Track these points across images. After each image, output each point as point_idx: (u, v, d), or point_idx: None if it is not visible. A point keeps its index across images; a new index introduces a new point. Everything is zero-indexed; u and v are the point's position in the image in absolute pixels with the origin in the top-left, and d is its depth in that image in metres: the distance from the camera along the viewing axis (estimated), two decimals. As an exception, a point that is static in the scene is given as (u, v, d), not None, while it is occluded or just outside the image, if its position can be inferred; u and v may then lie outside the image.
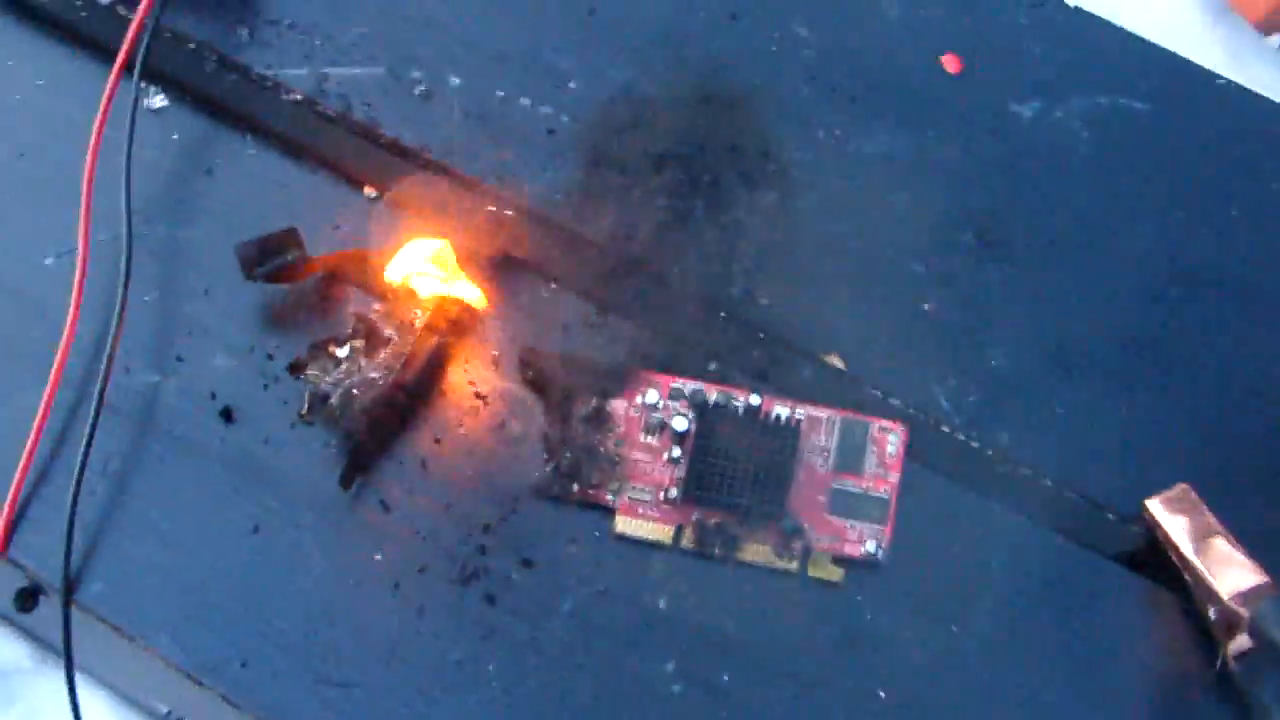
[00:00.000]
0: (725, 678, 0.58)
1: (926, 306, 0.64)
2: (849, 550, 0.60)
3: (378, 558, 0.60)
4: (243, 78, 0.66)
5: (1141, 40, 0.68)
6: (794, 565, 0.60)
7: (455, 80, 0.66)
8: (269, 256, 0.61)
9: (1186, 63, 0.68)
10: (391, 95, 0.66)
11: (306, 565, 0.59)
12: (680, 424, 0.60)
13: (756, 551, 0.60)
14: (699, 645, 0.59)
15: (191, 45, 0.67)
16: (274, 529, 0.60)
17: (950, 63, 0.67)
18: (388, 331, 0.61)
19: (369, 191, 0.65)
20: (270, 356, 0.62)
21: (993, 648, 0.59)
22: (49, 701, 0.74)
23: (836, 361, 0.63)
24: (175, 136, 0.66)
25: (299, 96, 0.66)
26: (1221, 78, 0.67)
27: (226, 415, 0.61)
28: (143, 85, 0.65)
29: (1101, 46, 0.68)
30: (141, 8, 0.64)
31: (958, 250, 0.65)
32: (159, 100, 0.66)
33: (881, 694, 0.58)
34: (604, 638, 0.59)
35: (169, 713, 0.69)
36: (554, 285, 0.64)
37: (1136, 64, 0.68)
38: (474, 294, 0.62)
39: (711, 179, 0.64)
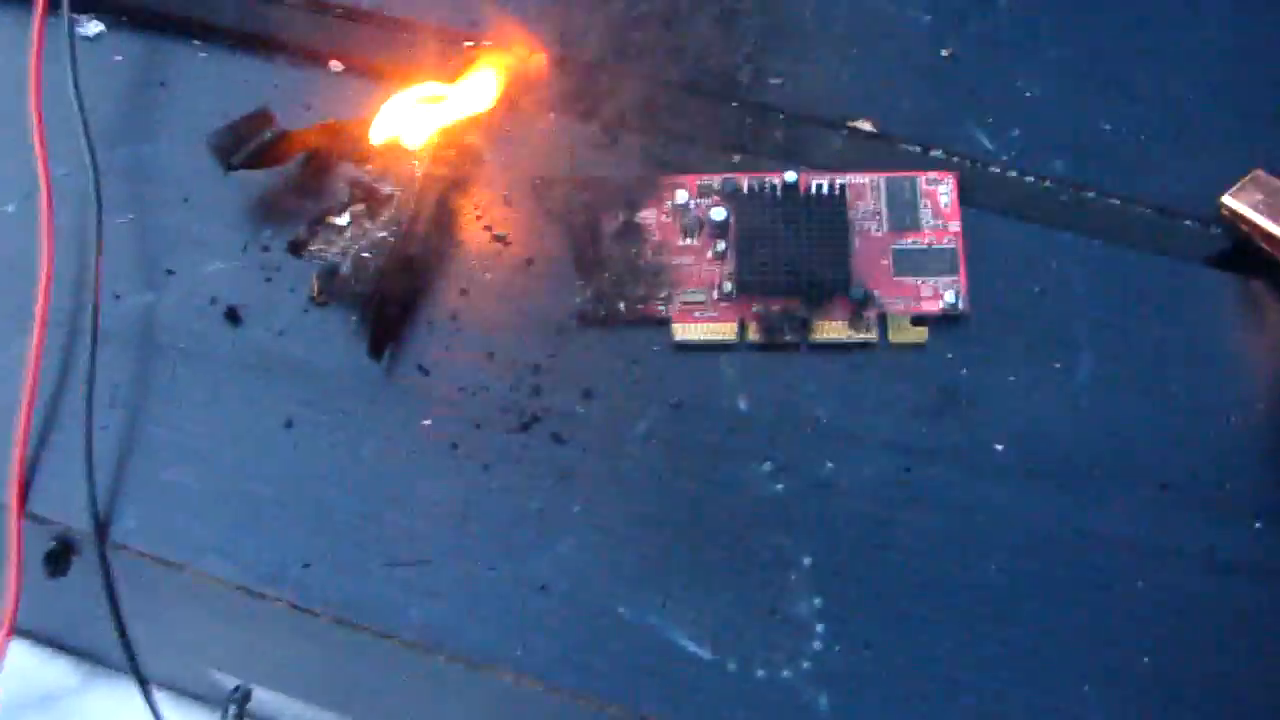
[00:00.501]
0: (829, 465, 0.53)
1: (945, 53, 0.60)
2: (927, 307, 0.55)
3: (427, 423, 0.54)
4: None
5: None
6: (872, 335, 0.55)
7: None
8: (245, 142, 0.56)
9: None
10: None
11: (352, 449, 0.54)
12: (718, 214, 0.56)
13: (829, 329, 0.55)
14: (792, 440, 0.54)
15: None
16: (308, 419, 0.54)
17: None
18: (387, 189, 0.57)
19: (334, 65, 0.61)
20: (266, 249, 0.57)
21: (1101, 377, 0.54)
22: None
23: (866, 125, 0.59)
24: (118, 58, 0.61)
25: (246, -13, 0.61)
26: None
27: (232, 316, 0.56)
28: (74, 16, 0.61)
29: None
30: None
31: (961, -9, 0.60)
32: (94, 27, 0.62)
33: (999, 447, 0.53)
34: (689, 452, 0.53)
35: (237, 688, 0.64)
36: (551, 115, 0.59)
37: None
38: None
39: (690, -23, 0.60)
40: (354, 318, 0.55)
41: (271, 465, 0.54)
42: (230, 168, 0.56)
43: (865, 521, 0.52)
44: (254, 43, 0.61)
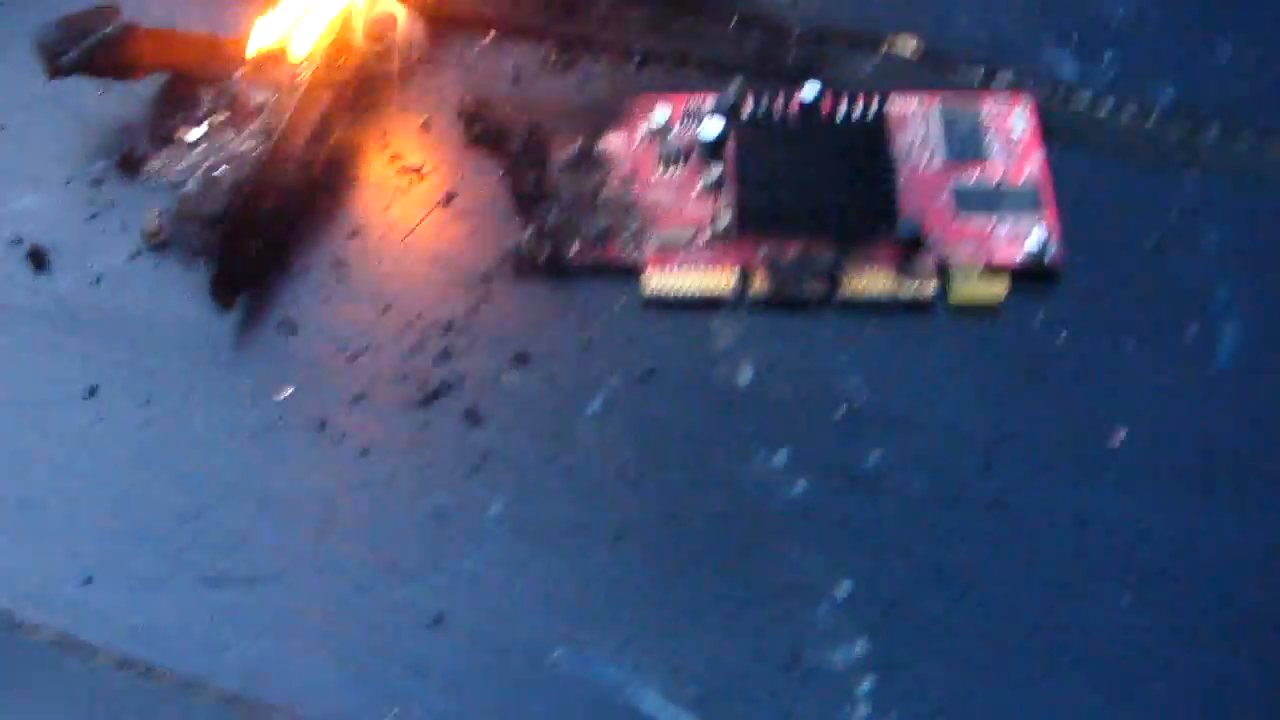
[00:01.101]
0: (872, 458, 0.36)
1: (1010, -34, 0.45)
2: (1002, 256, 0.39)
3: (289, 391, 0.38)
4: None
5: None
6: (929, 289, 0.39)
7: None
8: (79, 39, 0.41)
9: None
10: None
11: (176, 426, 0.37)
12: (711, 129, 0.40)
13: (867, 282, 0.39)
14: (817, 424, 0.37)
15: None
16: (119, 386, 0.38)
17: None
18: (259, 98, 0.41)
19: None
20: (98, 181, 0.42)
21: (1248, 353, 0.37)
22: None
23: (909, 43, 0.44)
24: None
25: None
26: None
27: (36, 258, 0.40)
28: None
29: None
30: None
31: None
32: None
33: (1122, 432, 0.36)
34: (664, 437, 0.37)
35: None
36: (491, 33, 0.44)
37: None
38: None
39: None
40: (197, 253, 0.39)
41: (60, 445, 0.37)
42: (58, 71, 0.41)
43: (927, 536, 0.35)
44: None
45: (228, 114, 0.41)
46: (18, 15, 0.45)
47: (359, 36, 0.42)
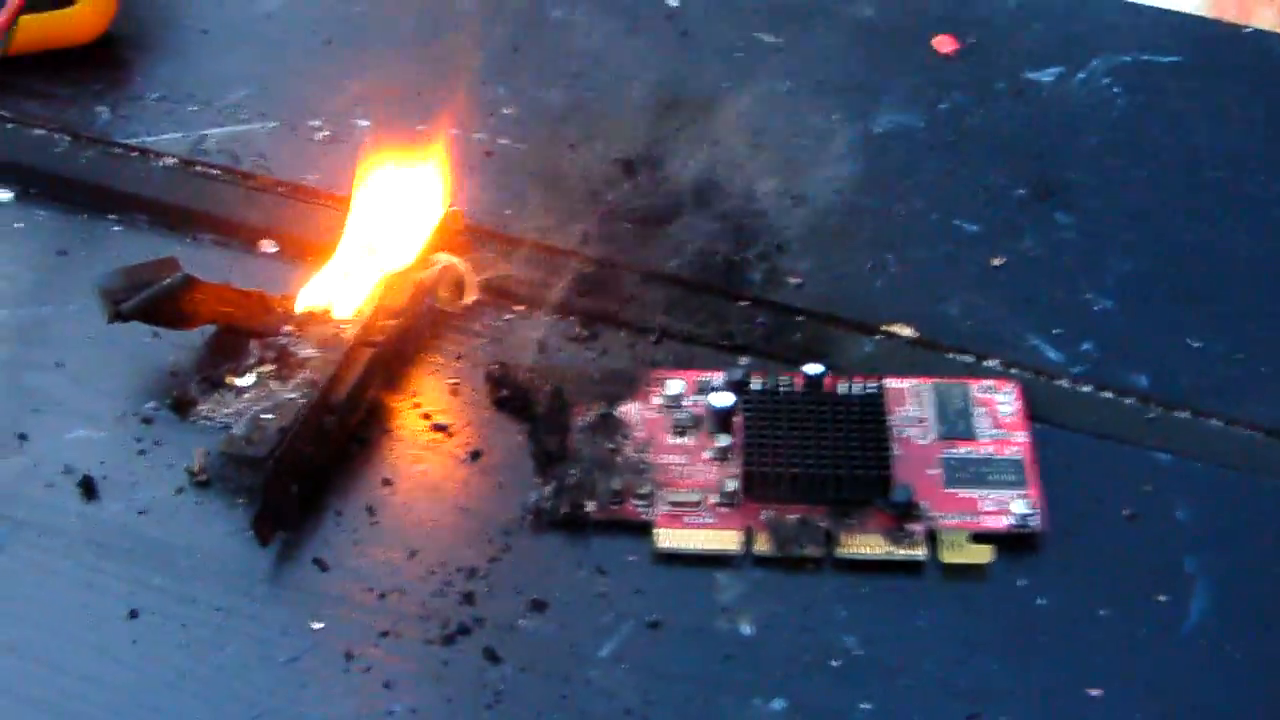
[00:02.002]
0: (863, 708, 0.38)
1: (996, 262, 0.50)
2: (990, 523, 0.42)
3: (317, 626, 0.40)
4: (102, 153, 0.53)
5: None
6: (919, 552, 0.42)
7: (363, 123, 0.54)
8: (140, 289, 0.45)
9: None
10: (286, 144, 0.54)
11: (210, 651, 0.39)
12: (722, 400, 0.44)
13: (862, 544, 0.42)
14: (813, 674, 0.39)
15: (37, 129, 0.54)
16: (159, 611, 0.40)
17: (944, 43, 0.57)
18: (305, 352, 0.45)
19: (267, 245, 0.51)
20: (147, 420, 0.45)
21: (1218, 619, 0.40)
22: None
23: (905, 330, 0.48)
24: (18, 225, 0.52)
25: (173, 161, 0.53)
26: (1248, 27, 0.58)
27: (87, 488, 0.43)
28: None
29: (1106, 19, 0.59)
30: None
31: (1011, 205, 0.52)
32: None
33: (1094, 693, 0.39)
34: (670, 682, 0.39)
35: None
36: (517, 307, 0.49)
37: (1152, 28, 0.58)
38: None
39: (692, 175, 0.52)
40: (240, 491, 0.42)
41: (101, 663, 0.39)
42: (118, 316, 0.45)
43: (916, 782, 0.37)
44: (178, 219, 0.52)
45: (275, 365, 0.45)
46: (83, 262, 0.49)
47: (397, 298, 0.46)
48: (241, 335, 0.47)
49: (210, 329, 0.47)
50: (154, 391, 0.46)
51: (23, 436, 0.45)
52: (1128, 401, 0.46)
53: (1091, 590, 0.41)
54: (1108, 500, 0.43)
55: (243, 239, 0.51)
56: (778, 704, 0.39)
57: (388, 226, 0.48)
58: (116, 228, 0.52)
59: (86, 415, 0.45)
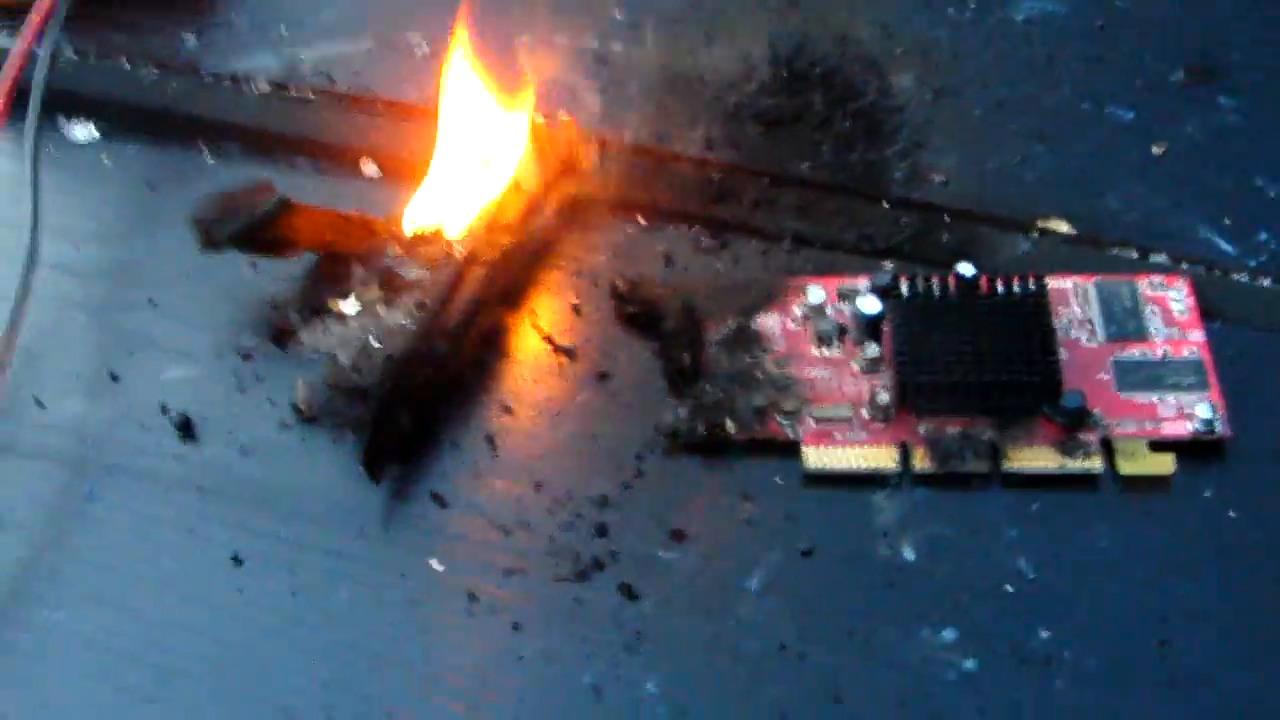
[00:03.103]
0: (1043, 635, 0.35)
1: (1157, 150, 0.45)
2: (1170, 430, 0.38)
3: (437, 566, 0.37)
4: (191, 82, 0.50)
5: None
6: (1095, 464, 0.37)
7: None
8: (234, 216, 0.42)
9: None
10: (385, 62, 0.50)
11: (322, 596, 0.36)
12: (870, 306, 0.40)
13: (1030, 456, 0.38)
14: (986, 601, 0.35)
15: (123, 62, 0.51)
16: (265, 556, 0.38)
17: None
18: (414, 273, 0.42)
19: (368, 167, 0.48)
20: (247, 356, 0.42)
21: None
22: None
23: (1062, 226, 0.43)
24: (106, 163, 0.49)
25: (265, 86, 0.50)
26: None
27: (185, 428, 0.40)
28: (60, 118, 0.49)
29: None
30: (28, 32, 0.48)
31: (1169, 89, 0.47)
32: (82, 132, 0.50)
33: (1305, 610, 0.34)
34: (828, 614, 0.35)
35: None
36: (640, 220, 0.45)
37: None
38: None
39: (824, 71, 0.47)
40: (349, 424, 0.39)
41: (204, 612, 0.36)
42: (212, 245, 0.42)
43: (1102, 716, 0.33)
44: (273, 145, 0.49)
45: (381, 290, 0.42)
46: (174, 191, 0.47)
47: (510, 213, 0.43)
48: (344, 261, 0.43)
49: (311, 256, 0.44)
50: (252, 324, 0.43)
51: (115, 378, 0.42)
52: (1313, 293, 0.42)
53: (1291, 498, 0.37)
54: (1303, 400, 0.39)
55: (342, 163, 0.48)
56: (948, 634, 0.35)
57: (493, 139, 0.44)
58: (209, 159, 0.49)
59: (181, 353, 0.43)
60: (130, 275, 0.45)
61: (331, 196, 0.46)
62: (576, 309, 0.43)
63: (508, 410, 0.40)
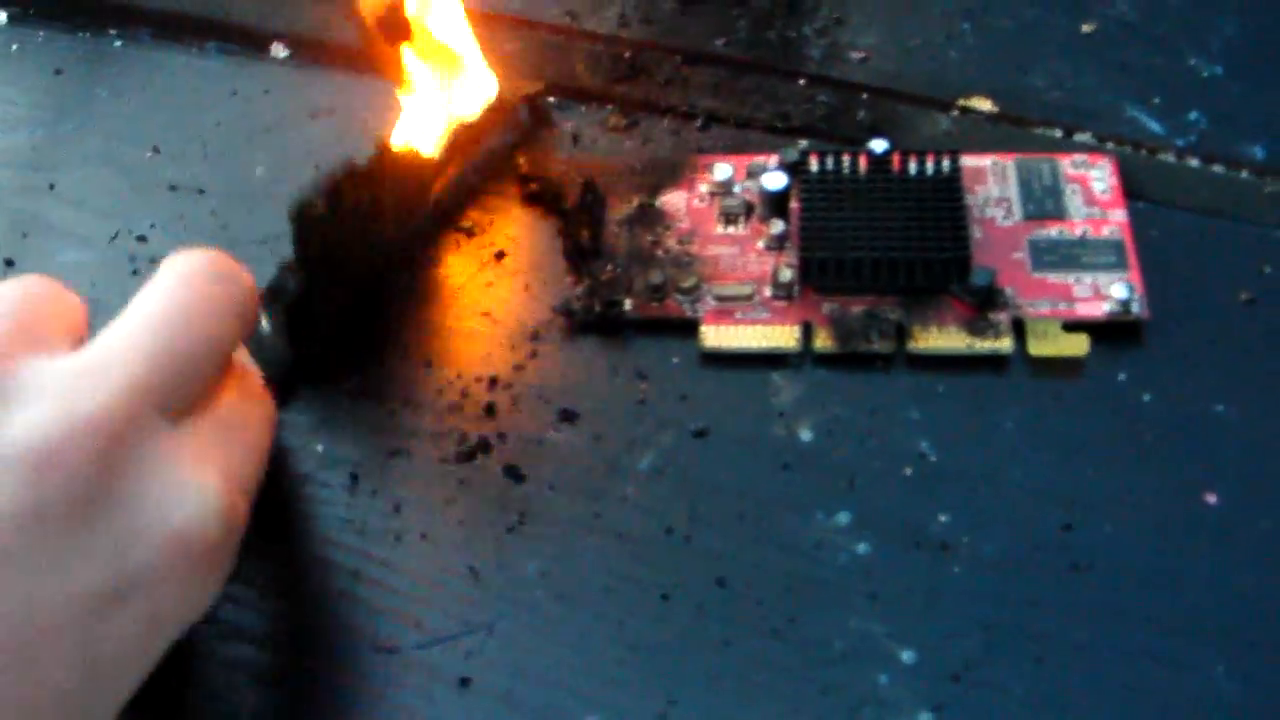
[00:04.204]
0: (941, 519, 0.33)
1: (1086, 28, 0.44)
2: (1085, 311, 0.37)
3: (319, 449, 0.36)
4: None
5: None
6: (1004, 344, 0.36)
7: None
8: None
9: None
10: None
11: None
12: (775, 182, 0.39)
13: (937, 337, 0.36)
14: (882, 483, 0.34)
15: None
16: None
17: None
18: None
19: (278, 49, 0.46)
20: (142, 238, 0.41)
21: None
22: None
23: (984, 104, 0.42)
24: (14, 47, 0.47)
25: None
26: None
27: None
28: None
29: None
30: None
31: (1102, -37, 0.45)
32: (-7, 16, 0.48)
33: (1210, 498, 0.33)
34: (719, 497, 0.34)
35: None
36: (548, 98, 0.43)
37: None
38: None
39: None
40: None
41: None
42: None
43: (1000, 601, 0.32)
44: (179, 26, 0.47)
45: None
46: (81, 77, 0.45)
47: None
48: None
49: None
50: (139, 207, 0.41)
51: (9, 262, 0.41)
52: (1242, 175, 0.40)
53: (1204, 384, 0.35)
54: (1220, 283, 0.37)
55: (251, 45, 0.46)
56: (842, 517, 0.34)
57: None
58: (117, 43, 0.47)
59: (79, 238, 0.41)
60: (31, 161, 0.44)
61: (241, 79, 0.45)
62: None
63: (405, 291, 0.39)
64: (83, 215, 0.42)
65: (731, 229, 0.39)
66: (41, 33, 0.48)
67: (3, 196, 0.43)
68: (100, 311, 0.37)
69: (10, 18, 0.48)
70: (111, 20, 0.48)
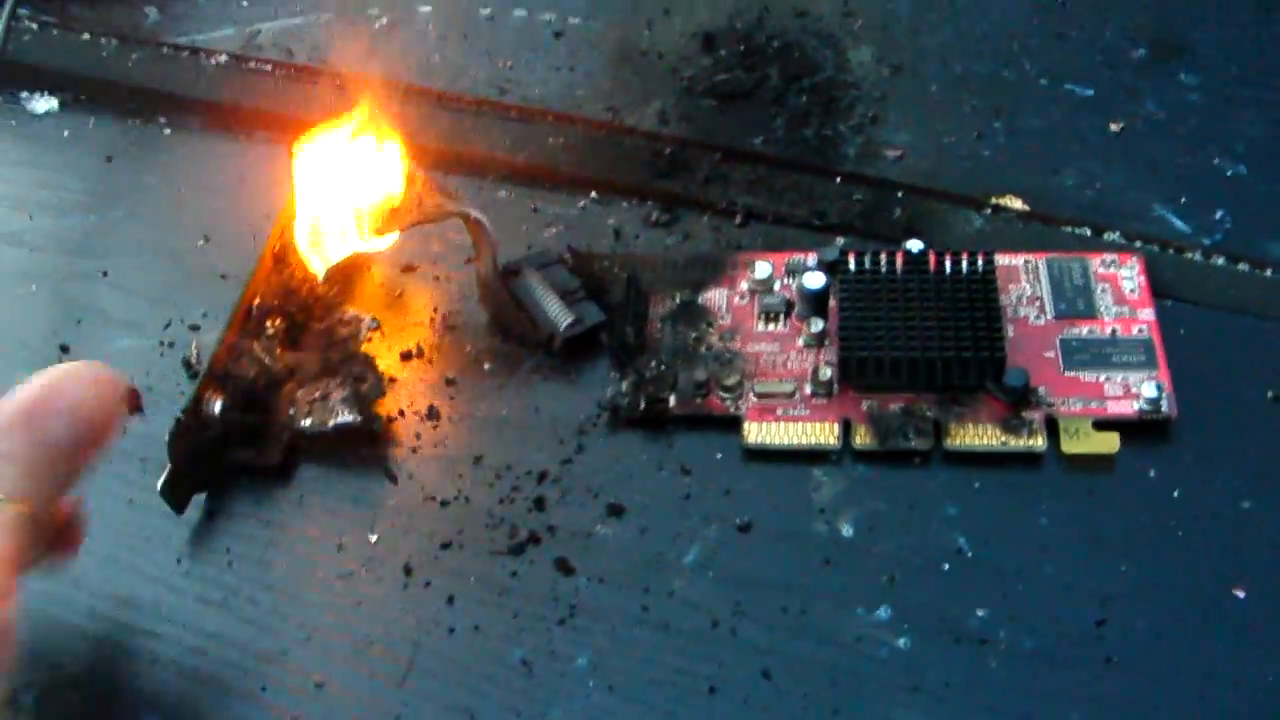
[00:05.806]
0: (979, 614, 0.34)
1: (1114, 128, 0.45)
2: (1115, 409, 0.38)
3: (373, 539, 0.37)
4: (151, 54, 0.50)
5: None
6: (1037, 442, 0.37)
7: (424, 8, 0.50)
8: None
9: None
10: (343, 36, 0.50)
11: (257, 569, 0.36)
12: (814, 281, 0.40)
13: (973, 434, 0.38)
14: (922, 579, 0.35)
15: (83, 33, 0.51)
16: (205, 528, 0.37)
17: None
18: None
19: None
20: (195, 327, 0.42)
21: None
22: None
23: (1016, 203, 0.43)
24: (65, 134, 0.49)
25: (223, 58, 0.50)
26: None
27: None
28: (22, 91, 0.49)
29: None
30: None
31: (1129, 66, 0.47)
32: (42, 104, 0.50)
33: (1239, 593, 0.34)
34: (762, 591, 0.35)
35: None
36: (592, 194, 0.45)
37: None
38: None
39: (782, 45, 0.47)
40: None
41: (145, 587, 0.36)
42: None
43: (1036, 694, 0.33)
44: (230, 118, 0.49)
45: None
46: (131, 163, 0.46)
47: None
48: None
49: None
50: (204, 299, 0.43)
51: (64, 348, 0.42)
52: (1266, 273, 0.41)
53: (1232, 480, 0.37)
54: (1247, 381, 0.39)
55: (299, 135, 0.47)
56: (883, 613, 0.35)
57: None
58: (167, 130, 0.48)
59: (132, 325, 0.42)
60: (83, 247, 0.45)
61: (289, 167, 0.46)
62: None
63: (450, 382, 0.40)
64: (135, 302, 0.44)
65: (772, 326, 0.40)
66: (92, 119, 0.49)
67: (56, 282, 0.44)
68: (154, 399, 0.38)
69: (61, 104, 0.50)
70: (161, 109, 0.49)
